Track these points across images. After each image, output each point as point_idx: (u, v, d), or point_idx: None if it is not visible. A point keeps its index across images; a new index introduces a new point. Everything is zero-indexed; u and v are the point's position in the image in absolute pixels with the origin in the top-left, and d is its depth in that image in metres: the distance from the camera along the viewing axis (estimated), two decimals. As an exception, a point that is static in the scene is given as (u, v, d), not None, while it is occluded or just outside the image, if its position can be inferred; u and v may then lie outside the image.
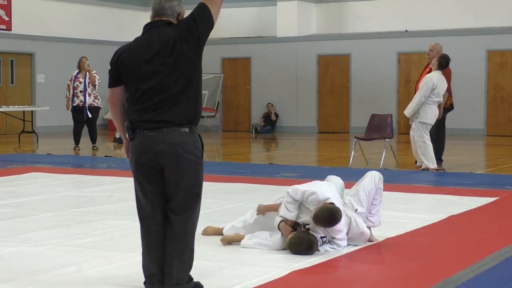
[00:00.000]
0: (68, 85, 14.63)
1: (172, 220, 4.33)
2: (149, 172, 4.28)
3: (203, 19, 4.44)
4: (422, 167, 10.97)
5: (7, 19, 19.95)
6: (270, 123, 21.05)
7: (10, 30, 20.02)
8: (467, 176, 10.45)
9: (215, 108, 21.33)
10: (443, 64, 10.91)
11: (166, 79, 4.23)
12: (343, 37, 20.43)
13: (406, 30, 19.83)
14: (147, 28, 4.42)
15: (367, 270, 5.25)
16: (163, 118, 4.22)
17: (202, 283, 4.68)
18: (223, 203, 8.02)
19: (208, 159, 14.15)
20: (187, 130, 4.26)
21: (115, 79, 4.38)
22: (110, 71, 4.42)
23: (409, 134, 11.43)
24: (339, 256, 5.51)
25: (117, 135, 16.91)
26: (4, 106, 18.24)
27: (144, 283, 4.49)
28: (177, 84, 4.24)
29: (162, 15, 4.38)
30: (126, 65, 4.33)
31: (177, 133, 4.23)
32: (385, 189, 8.90)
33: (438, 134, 11.31)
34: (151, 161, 4.26)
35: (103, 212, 7.43)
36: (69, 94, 14.56)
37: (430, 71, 11.41)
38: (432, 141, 11.08)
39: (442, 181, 10.04)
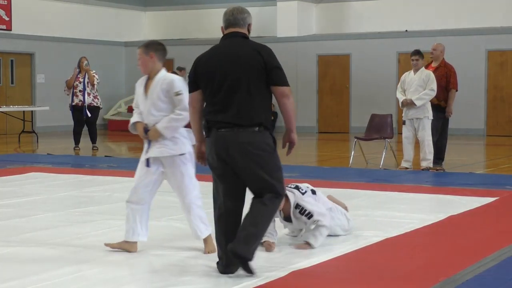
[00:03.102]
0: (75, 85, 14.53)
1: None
2: (223, 165, 4.78)
3: (276, 77, 4.84)
4: (425, 166, 10.98)
5: (7, 19, 19.95)
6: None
7: (10, 30, 20.02)
8: (467, 176, 10.44)
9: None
10: None
11: (236, 83, 4.76)
12: (343, 37, 20.43)
13: (406, 30, 19.83)
14: (225, 38, 4.96)
15: (367, 270, 5.24)
16: (235, 119, 4.74)
17: (203, 282, 4.69)
18: (223, 203, 8.01)
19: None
20: (256, 129, 4.76)
21: (193, 84, 4.91)
22: (189, 77, 4.95)
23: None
24: (339, 256, 5.51)
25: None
26: (4, 106, 18.25)
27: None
28: (245, 90, 4.75)
29: (236, 25, 4.94)
30: (201, 70, 4.86)
31: (248, 132, 4.74)
32: (384, 189, 8.96)
33: (442, 133, 11.33)
34: (225, 156, 4.76)
35: (103, 212, 7.43)
36: (69, 92, 14.53)
37: (432, 70, 11.42)
38: (435, 140, 11.13)
39: (442, 181, 10.04)
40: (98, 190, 9.01)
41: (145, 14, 23.98)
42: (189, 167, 5.53)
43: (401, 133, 11.46)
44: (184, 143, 5.50)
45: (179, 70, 17.30)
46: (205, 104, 4.91)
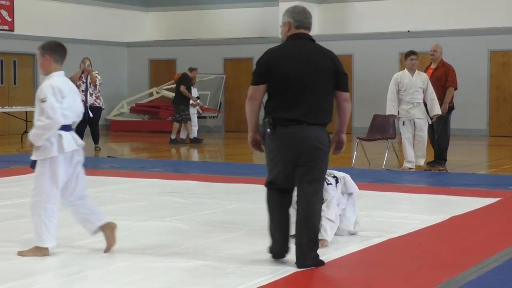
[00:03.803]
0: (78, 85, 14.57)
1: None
2: (287, 158, 5.08)
3: (343, 83, 5.22)
4: (422, 164, 11.10)
5: (9, 19, 19.97)
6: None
7: (13, 30, 20.04)
8: (470, 176, 10.44)
9: (218, 109, 21.33)
10: None
11: (308, 84, 5.05)
12: (345, 38, 20.43)
13: (408, 31, 19.83)
14: (295, 37, 5.22)
15: (370, 271, 5.24)
16: (304, 118, 5.04)
17: (205, 283, 4.69)
18: (225, 203, 8.03)
19: (210, 160, 14.15)
20: (322, 127, 5.12)
21: (262, 78, 5.13)
22: (257, 70, 5.16)
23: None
24: (343, 257, 5.51)
25: (173, 136, 16.87)
26: (7, 107, 18.27)
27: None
28: (316, 91, 5.07)
29: (306, 28, 5.27)
30: (274, 66, 5.07)
31: (315, 128, 5.06)
32: (387, 190, 8.96)
33: (443, 133, 11.36)
34: (291, 151, 5.05)
35: (105, 213, 7.41)
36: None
37: (432, 71, 11.45)
38: (435, 139, 11.21)
39: (445, 181, 10.03)
40: (101, 191, 9.00)
41: (147, 14, 23.99)
42: (46, 171, 5.45)
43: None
44: (49, 149, 5.44)
45: (190, 71, 17.29)
46: (267, 99, 5.18)
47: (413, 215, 7.33)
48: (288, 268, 5.09)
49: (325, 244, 5.67)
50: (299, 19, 5.24)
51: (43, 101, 5.38)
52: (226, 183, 9.70)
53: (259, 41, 21.70)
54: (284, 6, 21.06)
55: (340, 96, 5.18)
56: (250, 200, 8.24)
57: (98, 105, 14.70)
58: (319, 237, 5.34)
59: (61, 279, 4.84)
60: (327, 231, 5.73)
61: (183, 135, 17.10)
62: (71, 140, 5.52)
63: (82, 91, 14.49)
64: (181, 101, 16.82)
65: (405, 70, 11.25)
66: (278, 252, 5.24)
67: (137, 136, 19.91)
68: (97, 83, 14.56)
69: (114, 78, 22.16)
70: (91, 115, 14.54)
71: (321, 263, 5.13)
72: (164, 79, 22.38)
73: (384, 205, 7.83)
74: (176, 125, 16.98)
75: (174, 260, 5.38)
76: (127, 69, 23.32)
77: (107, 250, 5.57)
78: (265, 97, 5.29)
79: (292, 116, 5.05)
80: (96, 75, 14.62)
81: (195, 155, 15.24)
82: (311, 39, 5.24)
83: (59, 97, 5.41)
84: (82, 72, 14.59)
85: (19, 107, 18.51)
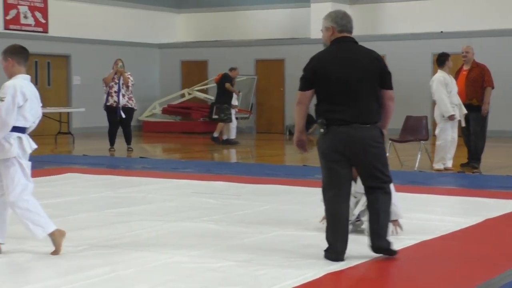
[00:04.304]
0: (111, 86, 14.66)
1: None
2: (341, 158, 5.29)
3: (388, 81, 5.49)
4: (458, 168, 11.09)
5: (43, 21, 20.19)
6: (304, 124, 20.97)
7: (47, 32, 20.25)
8: (504, 179, 10.31)
9: (249, 110, 21.34)
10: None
11: (357, 85, 5.28)
12: (377, 38, 20.30)
13: (442, 31, 19.66)
14: (340, 41, 5.45)
15: (402, 273, 5.20)
16: (356, 118, 5.26)
17: (237, 284, 4.69)
18: (256, 204, 8.02)
19: (242, 161, 14.16)
20: (373, 126, 5.32)
21: (309, 84, 5.38)
22: (304, 76, 5.42)
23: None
24: (374, 259, 5.47)
25: (215, 134, 16.97)
26: (41, 108, 18.43)
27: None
28: (364, 91, 5.30)
29: (348, 32, 5.48)
30: (322, 71, 5.31)
31: (367, 128, 5.28)
32: (420, 192, 8.88)
33: (480, 134, 11.29)
34: (344, 150, 5.27)
35: (138, 213, 7.47)
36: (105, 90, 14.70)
37: (467, 72, 11.35)
38: (472, 140, 11.20)
39: (479, 183, 9.93)
40: (133, 191, 9.06)
41: (179, 16, 24.08)
42: (12, 171, 5.50)
43: (435, 135, 11.40)
44: (7, 149, 5.48)
45: (230, 71, 17.33)
46: (317, 102, 5.40)
47: (447, 217, 7.27)
48: (319, 270, 5.06)
49: (397, 223, 6.13)
50: (342, 23, 5.46)
51: (1, 99, 5.43)
52: (257, 184, 9.69)
53: (291, 42, 21.68)
54: (315, 7, 21.02)
55: (385, 94, 5.42)
56: (282, 201, 8.23)
57: (130, 106, 14.79)
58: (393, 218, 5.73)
59: (94, 279, 4.87)
60: (396, 212, 6.01)
61: (224, 136, 17.19)
62: (27, 143, 5.59)
63: (115, 92, 14.60)
64: (225, 100, 16.89)
65: (445, 72, 11.15)
66: (338, 252, 5.34)
67: (169, 137, 20.00)
68: (130, 84, 14.64)
69: (146, 79, 22.27)
70: (123, 116, 14.64)
71: (395, 252, 5.41)
72: (196, 80, 22.44)
73: (418, 207, 7.76)
74: (220, 124, 17.05)
75: (206, 260, 5.38)
76: (159, 70, 23.43)
77: None
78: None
79: (344, 117, 5.27)
80: (129, 76, 14.71)
81: (227, 156, 15.26)
82: (355, 42, 5.48)
83: (21, 100, 5.47)
84: (115, 73, 14.68)
85: (53, 108, 18.69)
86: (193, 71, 22.93)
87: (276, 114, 21.77)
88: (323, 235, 5.86)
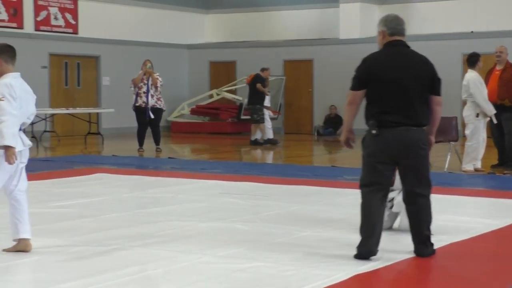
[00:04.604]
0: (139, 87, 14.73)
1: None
2: (389, 159, 5.39)
3: (438, 87, 5.65)
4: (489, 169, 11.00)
5: (73, 22, 20.35)
6: (332, 125, 20.95)
7: (77, 33, 20.42)
8: (535, 180, 10.19)
9: (277, 110, 21.33)
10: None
11: (409, 89, 5.38)
12: (407, 39, 20.09)
13: (472, 31, 19.49)
14: (391, 44, 5.57)
15: (432, 275, 5.16)
16: (408, 120, 5.36)
17: (266, 284, 4.68)
18: (284, 205, 8.01)
19: (270, 161, 14.15)
20: (422, 129, 5.45)
21: (362, 84, 5.44)
22: (357, 76, 5.48)
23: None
24: (403, 260, 5.44)
25: (252, 138, 16.99)
26: (71, 108, 18.61)
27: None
28: (416, 95, 5.41)
29: (400, 35, 5.64)
30: (375, 72, 5.40)
31: (417, 130, 5.39)
32: (450, 193, 8.80)
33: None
34: (394, 151, 5.37)
35: (166, 213, 7.50)
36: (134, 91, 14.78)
37: (500, 73, 11.26)
38: (506, 141, 11.11)
39: (510, 185, 9.82)
40: (162, 192, 9.09)
41: (207, 16, 24.14)
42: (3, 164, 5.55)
43: (465, 136, 11.31)
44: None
45: (262, 71, 17.36)
46: (367, 103, 5.48)
47: (477, 218, 7.20)
48: (348, 271, 5.04)
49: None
50: (392, 26, 5.59)
51: (1, 99, 5.46)
52: (286, 185, 9.68)
53: (319, 42, 21.62)
54: (344, 7, 20.96)
55: (434, 99, 5.53)
56: (310, 202, 8.21)
57: (159, 107, 14.86)
58: None
59: (123, 278, 4.89)
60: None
61: (258, 136, 17.21)
62: (19, 140, 5.59)
63: (144, 92, 14.67)
64: (257, 101, 16.92)
65: (476, 72, 11.06)
66: (368, 251, 5.39)
67: (197, 137, 20.05)
68: (158, 84, 14.71)
69: (174, 80, 22.36)
70: (152, 116, 14.71)
71: (434, 251, 5.55)
72: (224, 80, 22.49)
73: (447, 208, 7.70)
74: (255, 126, 17.08)
75: (235, 261, 5.38)
76: (188, 71, 23.51)
77: (8, 250, 5.62)
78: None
79: (395, 119, 5.36)
80: (157, 77, 14.77)
81: (255, 157, 15.26)
82: (407, 46, 5.61)
83: (12, 97, 5.50)
84: (144, 74, 14.76)
85: (82, 108, 18.85)
86: (222, 72, 22.97)
87: (305, 114, 21.73)
88: (352, 236, 5.84)
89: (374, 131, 5.40)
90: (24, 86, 5.71)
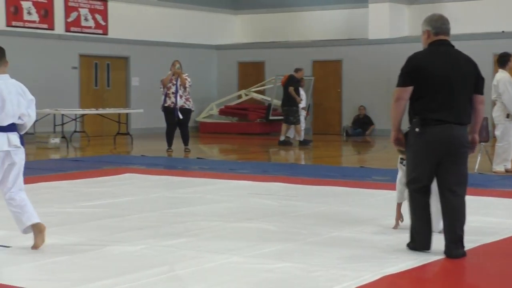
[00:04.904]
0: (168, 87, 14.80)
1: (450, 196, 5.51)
2: (433, 156, 5.45)
3: (482, 86, 5.68)
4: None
5: (103, 23, 20.50)
6: (361, 125, 20.87)
7: (107, 34, 20.56)
8: None
9: (306, 111, 21.27)
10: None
11: (455, 87, 5.45)
12: (436, 39, 20.04)
13: (503, 31, 19.29)
14: (437, 44, 5.61)
15: (462, 277, 5.12)
16: (454, 118, 5.42)
17: (293, 285, 4.67)
18: (313, 206, 7.99)
19: (298, 162, 14.13)
20: (466, 127, 5.54)
21: (411, 80, 5.48)
22: (405, 73, 5.52)
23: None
24: (433, 262, 5.39)
25: (282, 138, 17.02)
26: (101, 109, 18.74)
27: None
28: (462, 93, 5.49)
29: (444, 34, 5.64)
30: (423, 70, 5.45)
31: (462, 128, 5.48)
32: (480, 194, 8.72)
33: None
34: (438, 148, 5.44)
35: (195, 213, 7.51)
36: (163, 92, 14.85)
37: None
38: None
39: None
40: (190, 192, 9.12)
41: (236, 17, 24.17)
42: None
43: (496, 137, 11.21)
44: None
45: (296, 72, 17.37)
46: (412, 101, 5.53)
47: (508, 220, 7.12)
48: (376, 272, 5.01)
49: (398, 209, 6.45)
50: (437, 25, 5.62)
51: None
52: (314, 185, 9.66)
53: (348, 42, 21.55)
54: (373, 7, 20.87)
55: (477, 99, 5.60)
56: (338, 203, 8.18)
57: (187, 107, 14.90)
58: None
59: (152, 278, 4.90)
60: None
61: (290, 133, 17.22)
62: (4, 141, 5.62)
63: (173, 93, 14.73)
64: (293, 103, 16.92)
65: (507, 72, 10.97)
66: (424, 243, 5.54)
67: (225, 138, 20.09)
68: (187, 85, 14.76)
69: (203, 80, 22.42)
70: (181, 117, 14.76)
71: (465, 254, 5.52)
72: (253, 81, 22.50)
73: (477, 210, 7.62)
74: (285, 126, 17.08)
75: (263, 261, 5.38)
76: (216, 72, 23.56)
77: (36, 245, 5.71)
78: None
79: (441, 117, 5.42)
80: (186, 77, 14.82)
81: (283, 157, 15.25)
82: (452, 45, 5.65)
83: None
84: (173, 75, 14.81)
85: (112, 109, 18.97)
86: (250, 72, 22.99)
87: (333, 115, 21.68)
88: (381, 237, 5.82)
89: (417, 129, 5.46)
90: (11, 88, 5.67)
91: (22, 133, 5.79)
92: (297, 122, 16.99)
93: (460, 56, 5.62)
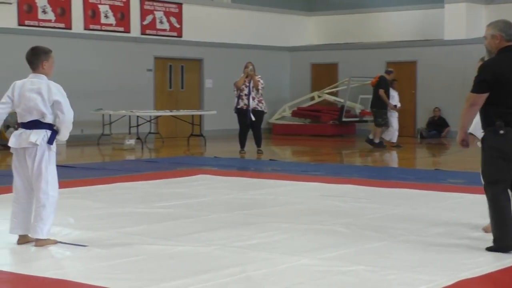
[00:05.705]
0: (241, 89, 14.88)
1: None
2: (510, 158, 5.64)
3: None
4: None
5: (178, 26, 20.76)
6: (436, 127, 20.55)
7: (181, 37, 20.81)
8: None
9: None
10: None
11: None
12: (514, 39, 19.57)
13: None
14: (508, 50, 5.73)
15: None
16: None
17: (365, 289, 4.65)
18: (386, 208, 7.91)
19: (371, 164, 14.01)
20: None
21: (487, 87, 5.63)
22: (483, 79, 5.64)
23: None
24: (508, 267, 5.27)
25: (377, 140, 17.01)
26: (175, 110, 18.98)
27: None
28: None
29: None
30: (501, 76, 5.60)
31: None
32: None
33: None
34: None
35: (267, 215, 7.53)
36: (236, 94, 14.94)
37: None
38: None
39: None
40: (263, 193, 9.14)
41: (309, 19, 24.12)
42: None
43: None
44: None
45: (388, 74, 17.26)
46: (490, 105, 5.63)
47: None
48: (451, 276, 4.92)
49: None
50: (510, 33, 5.77)
51: None
52: (388, 188, 9.56)
53: (423, 43, 21.25)
54: (449, 8, 20.51)
55: None
56: (411, 206, 8.08)
57: (260, 109, 14.95)
58: None
59: (225, 278, 4.94)
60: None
61: (386, 136, 17.12)
62: (21, 138, 5.84)
63: (245, 95, 14.80)
64: (383, 105, 16.82)
65: None
66: (506, 246, 5.59)
67: (298, 139, 20.07)
68: (260, 87, 14.80)
69: (276, 82, 22.45)
70: (253, 118, 14.81)
71: None
72: (326, 83, 22.41)
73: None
74: (378, 128, 17.00)
75: (335, 264, 5.35)
76: (289, 73, 23.56)
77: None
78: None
79: None
80: (259, 79, 14.87)
81: (357, 159, 15.14)
82: None
83: None
84: (246, 77, 14.88)
85: (185, 110, 19.18)
86: (323, 74, 22.91)
87: (407, 117, 21.37)
88: (456, 241, 5.72)
89: (502, 131, 5.60)
90: (30, 85, 5.87)
91: (63, 132, 5.91)
92: (385, 124, 16.87)
93: None
